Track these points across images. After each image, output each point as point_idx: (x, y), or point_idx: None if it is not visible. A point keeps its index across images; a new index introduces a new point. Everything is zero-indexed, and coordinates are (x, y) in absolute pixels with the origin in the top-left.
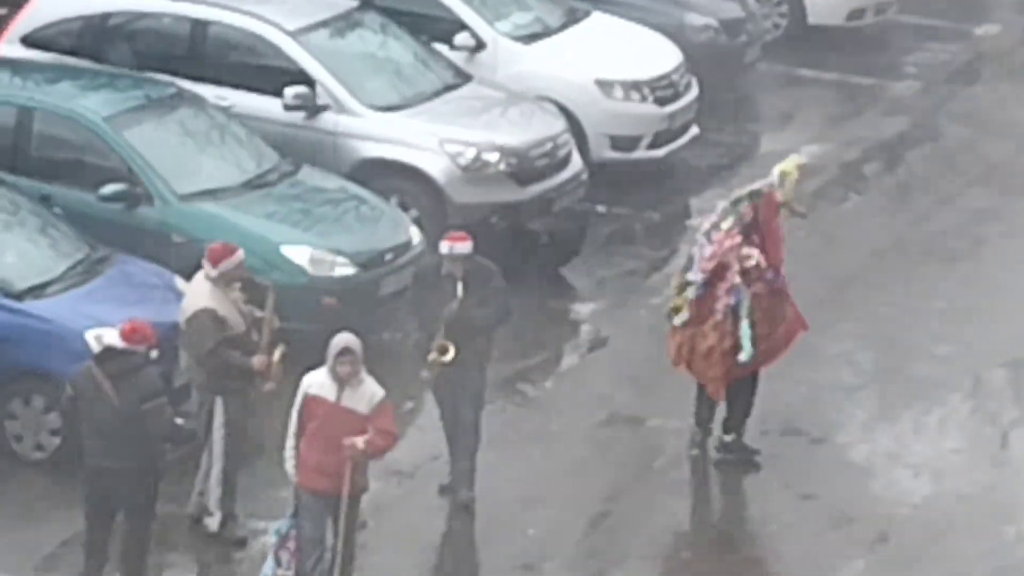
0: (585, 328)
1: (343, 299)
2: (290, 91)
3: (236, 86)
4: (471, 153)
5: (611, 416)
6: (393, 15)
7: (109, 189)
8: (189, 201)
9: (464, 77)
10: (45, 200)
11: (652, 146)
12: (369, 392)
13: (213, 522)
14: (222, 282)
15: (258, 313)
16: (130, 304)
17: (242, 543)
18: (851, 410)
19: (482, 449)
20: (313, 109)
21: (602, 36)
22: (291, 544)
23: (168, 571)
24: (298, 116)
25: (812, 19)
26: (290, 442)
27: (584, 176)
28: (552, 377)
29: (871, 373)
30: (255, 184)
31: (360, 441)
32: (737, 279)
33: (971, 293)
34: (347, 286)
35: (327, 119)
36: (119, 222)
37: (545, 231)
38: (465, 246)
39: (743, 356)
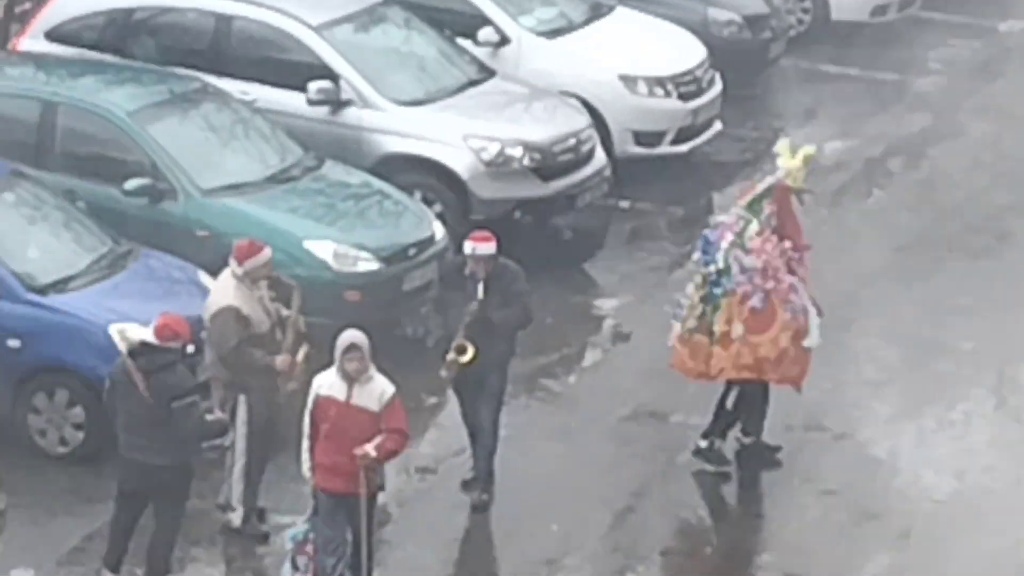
0: (608, 323)
1: (366, 294)
2: (314, 86)
3: (260, 81)
4: (495, 148)
5: (634, 411)
6: (417, 10)
7: (133, 184)
8: (213, 196)
9: (488, 72)
10: (69, 195)
11: (676, 141)
12: (379, 389)
13: (236, 517)
14: (248, 280)
15: (284, 312)
16: (153, 299)
17: (265, 538)
18: (874, 406)
19: (505, 445)
20: (337, 104)
21: (626, 31)
22: (309, 548)
23: (192, 565)
24: (322, 111)
25: (836, 15)
26: (305, 444)
27: (607, 171)
28: (575, 372)
29: (895, 369)
30: (278, 179)
31: (371, 448)
32: (792, 276)
33: (995, 289)
34: (370, 281)
35: (351, 114)
36: (143, 217)
37: (568, 226)
38: (489, 247)
39: (809, 342)
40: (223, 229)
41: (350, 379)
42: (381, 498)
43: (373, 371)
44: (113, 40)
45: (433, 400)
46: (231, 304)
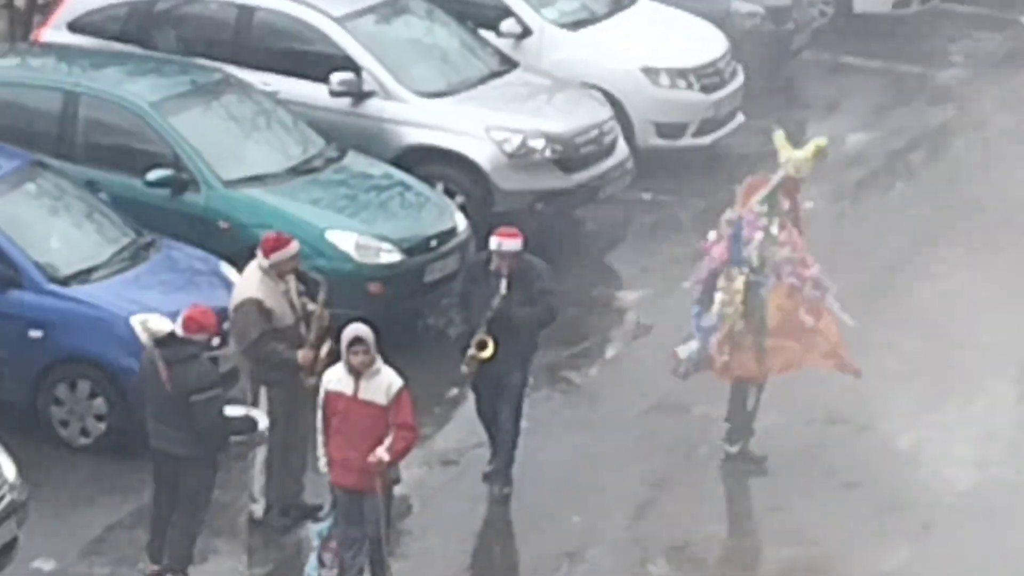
0: (630, 316)
1: (388, 285)
2: (336, 77)
3: (282, 72)
4: (517, 140)
5: (656, 404)
6: (439, 1)
7: (155, 175)
8: (235, 187)
9: (510, 64)
10: (91, 186)
11: (698, 134)
12: (386, 382)
13: (258, 509)
14: (273, 272)
15: (311, 307)
16: (175, 290)
17: (286, 530)
18: (896, 398)
19: (526, 436)
20: (359, 95)
21: (648, 23)
22: (333, 544)
23: (213, 556)
24: (344, 102)
25: (858, 7)
26: (320, 439)
27: (630, 163)
28: (597, 365)
29: (917, 361)
30: (300, 170)
31: (383, 452)
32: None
33: (1017, 281)
34: (392, 272)
35: (373, 105)
36: (165, 208)
37: (590, 218)
38: (515, 243)
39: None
40: (245, 220)
41: (356, 373)
42: (403, 490)
43: (380, 364)
44: (135, 31)
45: (455, 392)
46: (254, 296)
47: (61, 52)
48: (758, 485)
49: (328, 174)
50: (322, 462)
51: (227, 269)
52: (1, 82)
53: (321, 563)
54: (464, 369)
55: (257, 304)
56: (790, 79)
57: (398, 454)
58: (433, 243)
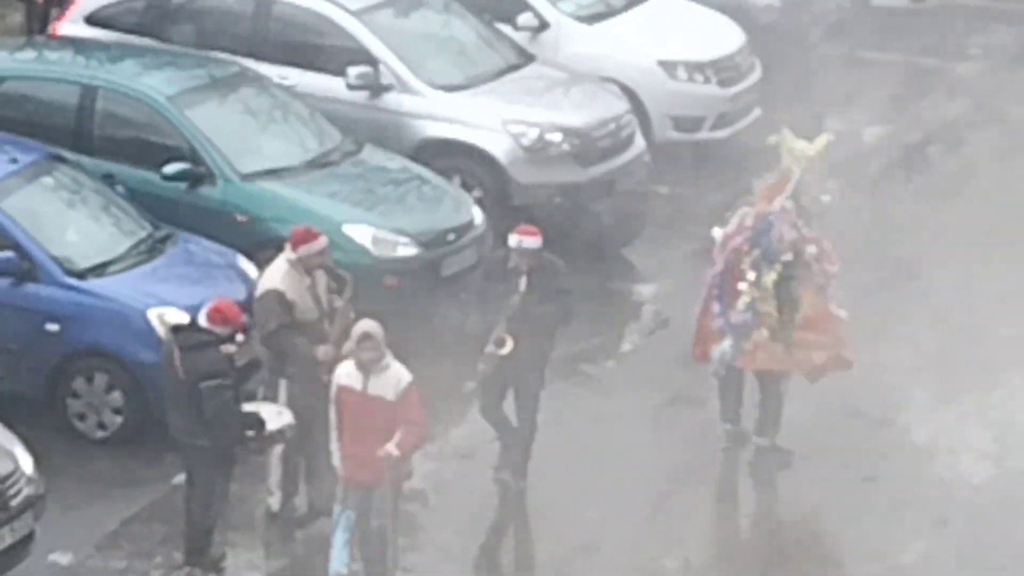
0: (647, 309)
1: (405, 279)
2: (353, 71)
3: (299, 65)
4: (534, 133)
5: (672, 398)
6: None
7: (172, 168)
8: (251, 180)
9: (527, 57)
10: (108, 179)
11: (715, 127)
12: (395, 378)
13: (275, 502)
14: (300, 266)
15: (337, 303)
16: (192, 283)
17: (301, 523)
18: (913, 391)
19: (542, 430)
20: (376, 89)
21: (665, 16)
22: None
23: (230, 549)
24: (361, 96)
25: (875, 0)
26: (333, 434)
27: (647, 157)
28: (613, 358)
29: (933, 354)
30: (318, 163)
31: (393, 448)
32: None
33: None
34: (409, 266)
35: (390, 99)
36: (182, 201)
37: (607, 212)
38: (534, 241)
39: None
40: (262, 214)
41: (365, 368)
42: (418, 483)
43: (389, 359)
44: (152, 24)
45: (471, 386)
46: (277, 288)
47: (78, 45)
48: (775, 478)
49: (345, 167)
50: (336, 457)
51: (244, 262)
52: (18, 75)
53: (352, 557)
54: (481, 367)
55: (279, 295)
56: (807, 72)
57: (407, 449)
58: (450, 237)
